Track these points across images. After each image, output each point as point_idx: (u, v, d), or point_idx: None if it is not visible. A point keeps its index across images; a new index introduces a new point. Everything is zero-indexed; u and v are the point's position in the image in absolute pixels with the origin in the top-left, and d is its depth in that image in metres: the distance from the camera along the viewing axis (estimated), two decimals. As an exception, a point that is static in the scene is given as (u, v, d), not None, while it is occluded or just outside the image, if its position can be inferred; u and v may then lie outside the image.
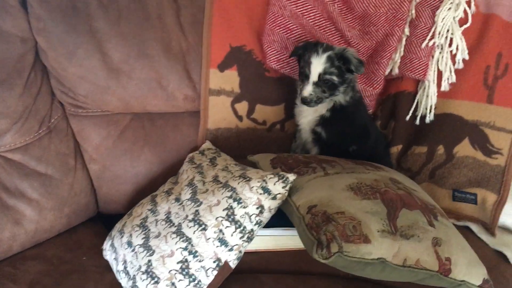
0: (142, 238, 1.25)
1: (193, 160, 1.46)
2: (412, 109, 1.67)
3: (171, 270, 1.15)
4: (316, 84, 1.43)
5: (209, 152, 1.50)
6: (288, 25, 1.59)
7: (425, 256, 1.08)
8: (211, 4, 1.53)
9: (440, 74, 1.62)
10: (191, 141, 1.64)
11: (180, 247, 1.17)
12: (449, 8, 1.56)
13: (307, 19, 1.58)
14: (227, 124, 1.63)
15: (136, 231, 1.28)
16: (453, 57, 1.60)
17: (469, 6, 1.57)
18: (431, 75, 1.61)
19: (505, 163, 1.60)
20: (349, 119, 1.54)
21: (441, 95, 1.63)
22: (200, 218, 1.19)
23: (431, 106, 1.64)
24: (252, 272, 1.33)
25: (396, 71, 1.64)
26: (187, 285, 1.14)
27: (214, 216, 1.18)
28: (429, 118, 1.65)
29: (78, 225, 1.59)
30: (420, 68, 1.60)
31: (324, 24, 1.60)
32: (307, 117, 1.55)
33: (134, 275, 1.19)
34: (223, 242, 1.16)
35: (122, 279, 1.25)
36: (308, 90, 1.44)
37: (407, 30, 1.60)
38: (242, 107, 1.63)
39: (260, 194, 1.18)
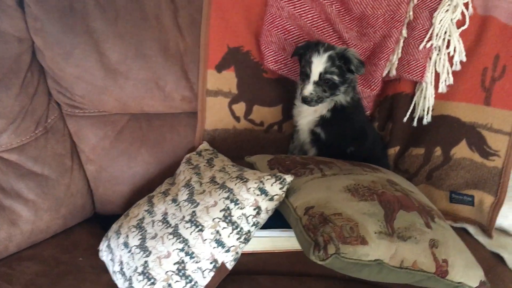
0: (139, 239, 1.25)
1: (190, 161, 1.46)
2: (410, 110, 1.68)
3: (167, 271, 1.15)
4: (316, 83, 1.43)
5: (206, 153, 1.50)
6: (286, 26, 1.59)
7: (422, 257, 1.08)
8: (208, 5, 1.53)
9: (437, 76, 1.62)
10: (188, 142, 1.64)
11: (177, 248, 1.17)
12: (447, 10, 1.56)
13: (305, 20, 1.58)
14: (225, 125, 1.63)
15: (133, 232, 1.28)
16: (451, 59, 1.60)
17: (467, 8, 1.57)
18: (429, 77, 1.61)
19: (502, 165, 1.61)
20: (348, 120, 1.54)
21: (438, 96, 1.63)
22: (197, 219, 1.19)
23: (428, 108, 1.64)
24: (249, 273, 1.33)
25: (393, 72, 1.64)
26: (183, 286, 1.14)
27: (211, 217, 1.18)
28: (427, 119, 1.65)
29: (75, 226, 1.58)
30: (417, 69, 1.60)
31: (321, 26, 1.60)
32: (307, 117, 1.55)
33: (130, 276, 1.19)
34: (220, 243, 1.15)
35: (119, 280, 1.24)
36: (308, 89, 1.44)
37: (404, 32, 1.61)
38: (240, 108, 1.63)
39: (257, 195, 1.18)
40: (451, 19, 1.57)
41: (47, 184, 1.48)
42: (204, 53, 1.55)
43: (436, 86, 1.63)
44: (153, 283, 1.14)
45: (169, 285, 1.14)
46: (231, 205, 1.18)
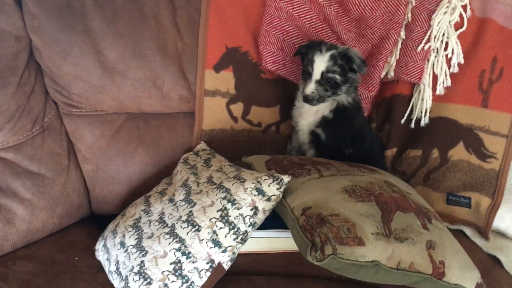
0: (135, 239, 1.24)
1: (188, 161, 1.46)
2: (407, 112, 1.68)
3: (164, 271, 1.14)
4: (318, 82, 1.43)
5: (204, 153, 1.49)
6: (284, 27, 1.59)
7: (419, 259, 1.08)
8: (207, 5, 1.53)
9: (435, 78, 1.62)
10: (185, 142, 1.64)
11: (173, 248, 1.16)
12: (445, 12, 1.56)
13: (303, 21, 1.58)
14: (222, 125, 1.63)
15: (129, 231, 1.28)
16: (449, 61, 1.61)
17: (465, 10, 1.58)
18: (427, 79, 1.62)
19: (500, 167, 1.61)
20: (349, 121, 1.54)
21: (436, 98, 1.64)
22: (193, 219, 1.19)
23: (426, 110, 1.64)
24: (245, 274, 1.33)
25: (391, 74, 1.64)
26: (180, 286, 1.13)
27: (208, 217, 1.17)
28: (424, 121, 1.65)
29: (71, 225, 1.57)
30: (415, 71, 1.60)
31: (320, 26, 1.61)
32: (308, 118, 1.54)
33: (126, 276, 1.18)
34: (216, 243, 1.15)
35: (115, 280, 1.24)
36: (310, 88, 1.43)
37: (403, 34, 1.61)
38: (237, 108, 1.63)
39: (255, 195, 1.17)
40: (449, 21, 1.57)
41: (43, 183, 1.47)
42: (202, 53, 1.55)
43: (434, 88, 1.63)
44: (149, 283, 1.14)
45: (165, 285, 1.13)
46: (228, 205, 1.17)
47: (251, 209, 1.17)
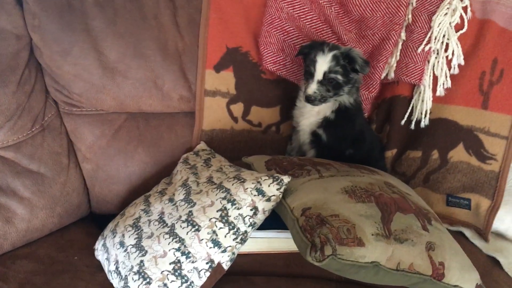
0: (135, 238, 1.24)
1: (188, 161, 1.46)
2: (407, 113, 1.68)
3: (163, 271, 1.14)
4: (320, 82, 1.43)
5: (204, 153, 1.49)
6: (285, 27, 1.59)
7: (419, 260, 1.08)
8: (208, 5, 1.53)
9: (435, 79, 1.62)
10: (185, 142, 1.64)
11: (173, 248, 1.16)
12: (446, 14, 1.56)
13: (304, 21, 1.58)
14: (222, 125, 1.63)
15: (129, 231, 1.27)
16: (449, 62, 1.61)
17: (466, 12, 1.58)
18: (427, 80, 1.62)
19: (499, 169, 1.61)
20: (351, 121, 1.54)
21: (436, 100, 1.64)
22: (193, 219, 1.19)
23: (426, 111, 1.64)
24: (245, 274, 1.32)
25: (392, 75, 1.64)
26: (179, 286, 1.13)
27: (207, 217, 1.17)
28: (424, 122, 1.65)
29: (70, 225, 1.57)
30: (415, 72, 1.61)
31: (320, 27, 1.61)
32: (309, 118, 1.54)
33: (126, 276, 1.18)
34: (216, 243, 1.15)
35: (114, 280, 1.24)
36: (312, 88, 1.43)
37: (403, 35, 1.61)
38: (238, 108, 1.63)
39: (254, 195, 1.17)
40: (450, 23, 1.57)
41: (43, 182, 1.47)
42: (202, 53, 1.55)
43: (434, 89, 1.63)
44: (148, 283, 1.14)
45: (165, 284, 1.13)
46: (228, 205, 1.17)
47: (251, 209, 1.17)
